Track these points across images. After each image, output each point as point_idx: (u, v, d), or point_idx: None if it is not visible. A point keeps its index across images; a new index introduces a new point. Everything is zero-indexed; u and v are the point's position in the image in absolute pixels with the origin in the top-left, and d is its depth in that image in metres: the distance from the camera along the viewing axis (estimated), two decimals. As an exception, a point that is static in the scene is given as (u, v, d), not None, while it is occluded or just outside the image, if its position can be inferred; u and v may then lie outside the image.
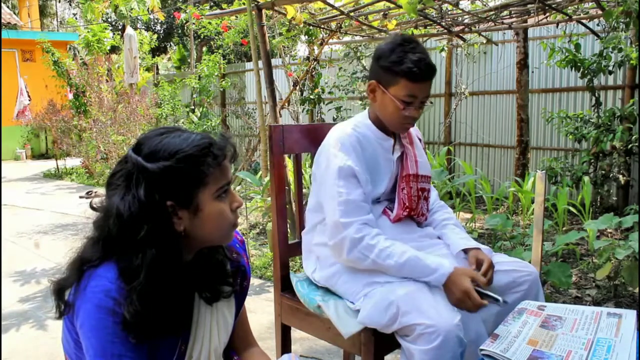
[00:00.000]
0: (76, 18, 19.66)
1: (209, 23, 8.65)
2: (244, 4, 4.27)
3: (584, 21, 4.99)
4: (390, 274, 1.59)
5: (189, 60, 12.81)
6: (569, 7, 4.51)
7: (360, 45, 6.79)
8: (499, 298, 1.45)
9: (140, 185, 1.02)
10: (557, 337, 1.27)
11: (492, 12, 4.57)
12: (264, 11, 3.73)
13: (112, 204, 1.04)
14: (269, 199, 3.83)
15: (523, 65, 5.73)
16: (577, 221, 5.01)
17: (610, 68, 4.98)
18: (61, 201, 7.37)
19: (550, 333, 1.29)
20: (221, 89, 10.31)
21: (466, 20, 4.86)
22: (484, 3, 5.03)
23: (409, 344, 1.45)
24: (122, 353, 1.00)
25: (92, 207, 1.10)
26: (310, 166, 2.22)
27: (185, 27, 14.08)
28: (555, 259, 3.89)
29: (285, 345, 1.96)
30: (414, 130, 1.90)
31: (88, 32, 9.62)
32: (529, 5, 4.11)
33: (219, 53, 9.77)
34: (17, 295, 3.66)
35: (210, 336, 1.20)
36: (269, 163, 1.99)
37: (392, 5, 4.01)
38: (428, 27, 5.26)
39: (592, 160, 5.11)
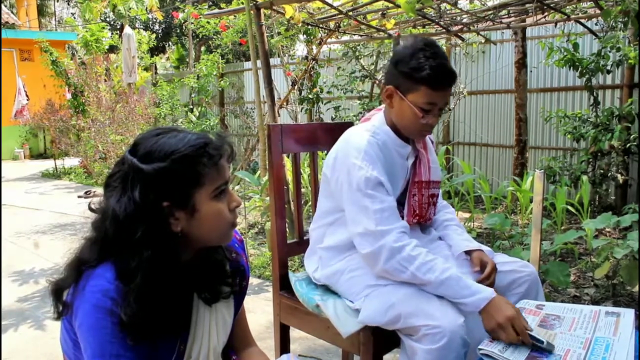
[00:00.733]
0: (74, 17, 19.63)
1: (208, 22, 8.64)
2: (242, 3, 4.26)
3: (582, 20, 5.00)
4: (426, 289, 1.50)
5: (187, 60, 12.79)
6: (567, 7, 4.52)
7: (359, 45, 6.79)
8: (544, 340, 1.25)
9: (135, 187, 1.02)
10: (555, 336, 1.27)
11: (490, 12, 4.58)
12: (262, 10, 3.73)
13: (109, 206, 1.04)
14: (268, 198, 3.84)
15: (521, 64, 5.73)
16: (575, 220, 5.01)
17: (609, 67, 4.99)
18: (60, 201, 7.36)
19: (548, 332, 1.29)
20: (220, 89, 10.30)
21: (465, 20, 4.86)
22: (483, 2, 5.04)
23: (413, 342, 1.45)
24: (120, 353, 1.00)
25: (90, 209, 1.10)
26: (309, 166, 2.22)
27: (184, 27, 14.07)
28: (554, 258, 3.89)
29: (284, 344, 1.96)
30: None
31: (86, 31, 9.61)
32: (527, 5, 4.12)
33: (218, 53, 9.76)
34: (16, 295, 3.65)
35: (209, 336, 1.19)
36: (267, 162, 1.99)
37: (390, 5, 4.01)
38: (426, 27, 5.26)
39: (591, 160, 5.11)
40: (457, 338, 1.38)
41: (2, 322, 3.15)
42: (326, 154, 1.83)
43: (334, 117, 6.92)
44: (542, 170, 2.44)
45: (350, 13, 4.22)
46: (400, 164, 1.72)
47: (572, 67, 5.03)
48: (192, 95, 9.70)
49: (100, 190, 1.10)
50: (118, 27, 15.65)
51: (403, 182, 1.74)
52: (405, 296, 1.49)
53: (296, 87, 6.18)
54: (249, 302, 3.24)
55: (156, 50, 16.16)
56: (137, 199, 1.02)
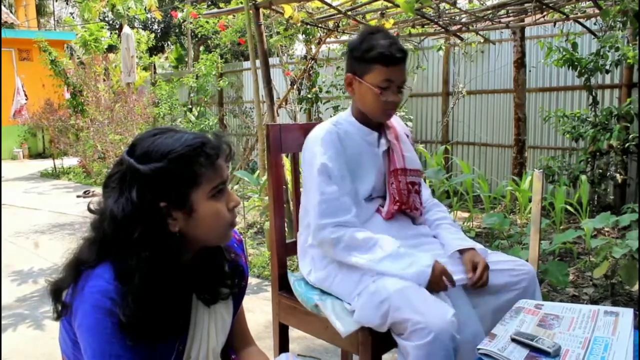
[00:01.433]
0: (73, 17, 19.60)
1: (207, 22, 8.64)
2: (241, 3, 4.26)
3: (581, 20, 5.00)
4: (372, 268, 1.60)
5: (186, 60, 12.79)
6: (566, 6, 4.52)
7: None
8: (550, 351, 1.19)
9: (133, 187, 1.02)
10: (554, 335, 1.27)
11: (489, 11, 4.58)
12: (261, 10, 3.73)
13: (107, 206, 1.05)
14: (267, 198, 3.83)
15: (520, 64, 5.74)
16: (574, 220, 5.01)
17: (607, 67, 4.99)
18: (58, 201, 7.35)
19: (547, 332, 1.29)
20: (219, 88, 10.29)
21: (463, 19, 4.86)
22: (482, 2, 5.04)
23: (404, 341, 1.46)
24: (120, 353, 1.00)
25: (89, 210, 1.10)
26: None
27: (183, 27, 14.06)
28: (553, 257, 3.89)
29: (283, 344, 1.96)
30: (401, 127, 1.91)
31: (85, 31, 9.60)
32: (526, 5, 4.12)
33: (217, 52, 9.75)
34: (15, 295, 3.65)
35: (208, 336, 1.19)
36: (266, 162, 1.99)
37: (389, 4, 4.01)
38: (425, 26, 5.26)
39: (589, 159, 5.11)
40: (444, 333, 1.39)
41: (2, 322, 3.15)
42: None
43: (332, 116, 6.92)
44: (541, 170, 2.44)
45: (349, 13, 4.22)
46: (368, 151, 1.77)
47: (571, 67, 5.03)
48: (191, 95, 9.70)
49: (99, 190, 1.09)
50: (117, 26, 15.64)
51: (378, 171, 1.78)
52: (395, 292, 1.50)
53: (295, 86, 6.17)
54: (248, 301, 3.24)
55: (155, 49, 16.14)
56: (134, 200, 1.02)
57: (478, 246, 1.73)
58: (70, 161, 10.51)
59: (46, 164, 11.12)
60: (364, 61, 1.67)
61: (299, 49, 9.03)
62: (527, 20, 5.11)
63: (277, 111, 4.08)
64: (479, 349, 1.23)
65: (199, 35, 10.98)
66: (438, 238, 1.81)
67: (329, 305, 1.67)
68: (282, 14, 4.09)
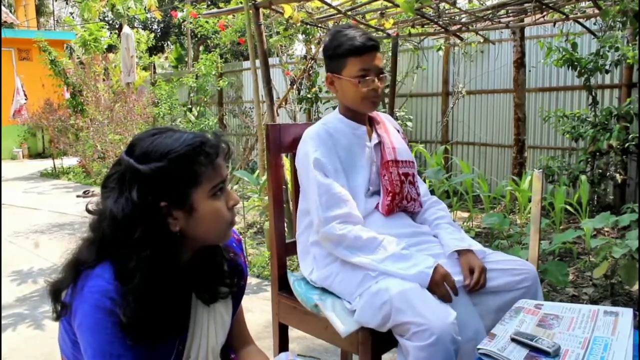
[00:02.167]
0: (73, 17, 19.60)
1: (206, 22, 8.64)
2: (241, 2, 4.26)
3: (580, 20, 4.99)
4: (375, 268, 1.60)
5: (186, 60, 12.78)
6: (566, 6, 4.52)
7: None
8: (550, 351, 1.20)
9: (133, 187, 1.02)
10: (554, 335, 1.27)
11: (489, 11, 4.58)
12: (261, 10, 3.73)
13: (107, 207, 1.04)
14: (266, 198, 3.83)
15: (520, 64, 5.74)
16: (574, 220, 5.01)
17: (607, 67, 4.99)
18: (58, 200, 7.35)
19: (547, 332, 1.29)
20: (218, 88, 10.29)
21: (463, 19, 4.86)
22: (481, 2, 5.03)
23: (405, 341, 1.46)
24: (120, 353, 1.00)
25: (88, 210, 1.10)
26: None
27: (183, 26, 14.06)
28: (553, 257, 3.90)
29: (282, 344, 1.96)
30: (390, 122, 1.94)
31: (85, 31, 9.59)
32: (526, 5, 4.11)
33: (216, 52, 9.75)
34: (14, 295, 3.65)
35: (207, 335, 1.19)
36: (266, 162, 1.99)
37: (389, 4, 4.01)
38: (425, 26, 5.26)
39: (589, 159, 5.11)
40: (445, 336, 1.39)
41: (2, 322, 3.15)
42: None
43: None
44: (541, 170, 2.44)
45: (349, 12, 4.22)
46: (359, 144, 1.80)
47: (570, 67, 5.03)
48: (191, 95, 9.69)
49: (98, 190, 1.08)
50: (117, 26, 15.64)
51: (369, 163, 1.80)
52: (397, 294, 1.50)
53: (295, 86, 6.18)
54: (247, 301, 3.24)
55: (155, 49, 16.13)
56: (134, 200, 1.02)
57: (477, 247, 1.73)
58: (70, 161, 10.51)
59: (46, 164, 11.11)
60: (337, 57, 1.73)
61: (299, 48, 9.04)
62: (527, 20, 5.10)
63: (276, 111, 4.08)
64: (478, 349, 1.23)
65: (199, 35, 10.97)
66: (437, 237, 1.81)
67: (329, 305, 1.67)
68: (281, 14, 4.09)
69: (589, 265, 3.69)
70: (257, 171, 4.56)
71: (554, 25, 5.48)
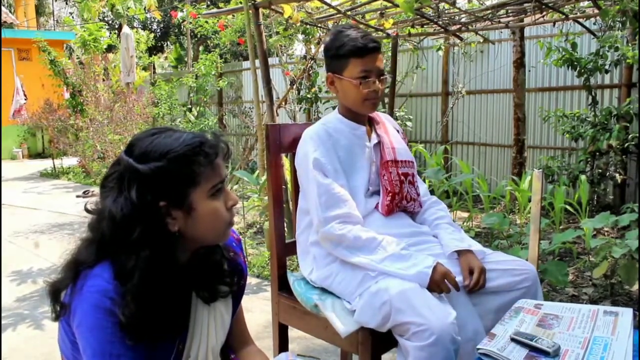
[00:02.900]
0: (73, 17, 19.59)
1: (206, 22, 8.64)
2: (241, 2, 4.26)
3: (580, 20, 5.00)
4: (374, 268, 1.60)
5: (185, 60, 12.79)
6: (566, 6, 4.52)
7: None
8: (550, 351, 1.20)
9: (132, 187, 1.02)
10: (554, 335, 1.27)
11: (489, 11, 4.58)
12: (261, 10, 3.73)
13: (105, 206, 1.04)
14: (266, 198, 3.83)
15: (520, 64, 5.73)
16: (573, 220, 5.01)
17: (607, 67, 4.99)
18: (58, 200, 7.35)
19: (547, 332, 1.29)
20: (218, 88, 10.29)
21: (463, 19, 4.86)
22: (481, 2, 5.03)
23: (405, 340, 1.46)
24: (120, 353, 1.00)
25: (86, 210, 1.10)
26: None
27: (182, 26, 14.05)
28: (552, 257, 3.90)
29: (282, 344, 1.96)
30: (390, 122, 1.94)
31: (84, 31, 9.59)
32: (525, 4, 4.11)
33: (216, 52, 9.75)
34: (14, 295, 3.65)
35: (207, 335, 1.19)
36: (266, 162, 1.99)
37: (389, 4, 4.01)
38: (425, 26, 5.26)
39: (589, 159, 5.11)
40: (445, 336, 1.39)
41: (2, 322, 3.15)
42: None
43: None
44: (541, 170, 2.44)
45: (349, 12, 4.22)
46: (359, 144, 1.81)
47: (570, 67, 5.03)
48: (191, 95, 9.69)
49: (98, 190, 1.08)
50: (116, 26, 15.63)
51: (368, 163, 1.80)
52: (397, 294, 1.50)
53: (295, 86, 6.18)
54: (247, 301, 3.24)
55: (154, 49, 16.13)
56: (133, 199, 1.02)
57: (476, 247, 1.73)
58: (69, 161, 10.51)
59: (46, 164, 11.11)
60: (339, 57, 1.73)
61: (299, 48, 9.04)
62: (527, 20, 5.11)
63: (276, 111, 4.08)
64: (478, 349, 1.23)
65: (199, 35, 10.97)
66: (437, 238, 1.81)
67: (329, 305, 1.67)
68: (281, 14, 4.09)
69: (589, 265, 3.69)
70: (257, 171, 4.56)
71: (554, 25, 5.49)
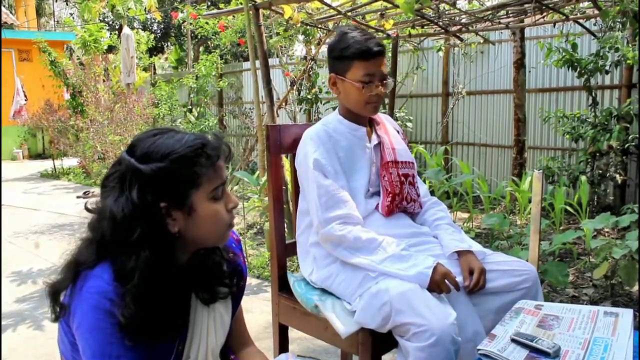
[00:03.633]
0: (73, 18, 19.59)
1: (206, 23, 8.64)
2: (241, 3, 4.27)
3: (580, 21, 5.00)
4: (374, 268, 1.60)
5: (186, 60, 12.79)
6: (566, 7, 4.52)
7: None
8: (550, 352, 1.19)
9: (133, 187, 1.02)
10: (554, 336, 1.27)
11: (489, 12, 4.58)
12: (261, 11, 3.73)
13: (106, 206, 1.04)
14: (267, 198, 3.83)
15: (520, 64, 5.73)
16: (574, 220, 5.01)
17: (607, 68, 4.99)
18: (58, 201, 7.35)
19: (547, 332, 1.29)
20: (218, 89, 10.29)
21: (463, 20, 4.86)
22: (481, 3, 5.04)
23: (405, 341, 1.46)
24: (120, 354, 1.00)
25: (87, 209, 1.10)
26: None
27: (183, 27, 14.06)
28: (553, 258, 3.89)
29: (282, 345, 1.96)
30: (390, 123, 1.93)
31: (85, 32, 9.60)
32: (525, 5, 4.11)
33: (216, 53, 9.76)
34: (14, 295, 3.65)
35: (207, 336, 1.19)
36: (266, 163, 1.99)
37: (389, 5, 4.01)
38: (425, 27, 5.26)
39: (589, 160, 5.11)
40: (445, 336, 1.39)
41: (1, 322, 3.15)
42: None
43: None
44: (541, 171, 2.44)
45: (349, 13, 4.22)
46: (359, 145, 1.80)
47: (570, 68, 5.03)
48: (191, 96, 9.69)
49: (98, 191, 1.08)
50: (117, 27, 15.63)
51: (368, 164, 1.80)
52: (397, 295, 1.50)
53: (295, 87, 6.18)
54: (247, 302, 3.24)
55: (155, 50, 16.14)
56: (134, 200, 1.02)
57: (476, 247, 1.73)
58: (70, 162, 10.51)
59: (46, 165, 11.12)
60: (343, 59, 1.72)
61: (299, 49, 9.05)
62: (527, 20, 5.11)
63: (276, 112, 4.08)
64: (478, 350, 1.23)
65: (199, 36, 10.97)
66: (437, 238, 1.81)
67: (329, 305, 1.67)
68: (281, 15, 4.09)
69: (589, 266, 3.69)
70: (257, 172, 4.56)
71: (554, 26, 5.49)
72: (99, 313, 0.99)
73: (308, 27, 5.26)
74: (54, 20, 22.79)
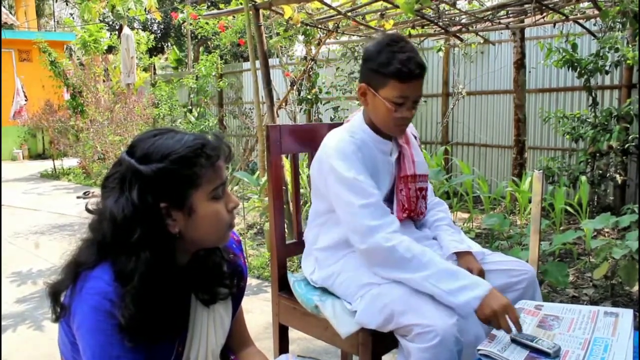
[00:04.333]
0: (73, 18, 19.59)
1: (206, 23, 8.64)
2: (241, 4, 4.26)
3: (580, 21, 5.00)
4: (419, 288, 1.50)
5: (186, 61, 12.79)
6: (566, 7, 4.52)
7: (358, 45, 6.79)
8: (550, 352, 1.20)
9: (133, 188, 1.02)
10: (554, 336, 1.27)
11: (489, 12, 4.58)
12: (261, 11, 3.73)
13: (106, 207, 1.04)
14: (267, 199, 3.83)
15: (520, 65, 5.73)
16: (574, 221, 5.01)
17: (607, 68, 4.99)
18: (58, 201, 7.35)
19: (547, 333, 1.29)
20: (218, 89, 10.29)
21: (463, 20, 4.86)
22: (481, 3, 5.03)
23: (407, 342, 1.45)
24: (120, 354, 1.00)
25: (87, 210, 1.10)
26: (308, 166, 2.22)
27: (183, 27, 14.06)
28: (553, 258, 3.89)
29: (282, 345, 1.96)
30: (409, 128, 1.88)
31: (85, 32, 9.60)
32: (525, 5, 4.12)
33: (216, 53, 9.76)
34: (14, 296, 3.65)
35: (207, 337, 1.19)
36: (266, 163, 1.99)
37: (389, 5, 4.01)
38: (425, 27, 5.26)
39: (589, 160, 5.11)
40: (449, 337, 1.38)
41: (1, 323, 3.15)
42: None
43: (332, 117, 6.93)
44: (541, 171, 2.44)
45: (349, 13, 4.22)
46: (383, 160, 1.72)
47: (570, 68, 5.03)
48: (191, 96, 9.70)
49: (99, 191, 1.08)
50: (117, 27, 15.64)
51: (389, 178, 1.75)
52: (399, 296, 1.50)
53: (295, 87, 6.18)
54: (247, 302, 3.24)
55: (155, 50, 16.14)
56: (135, 200, 1.02)
57: (475, 248, 1.73)
58: (70, 162, 10.51)
59: (46, 165, 11.12)
60: (380, 74, 1.58)
61: (299, 49, 9.05)
62: (527, 21, 5.11)
63: (276, 112, 4.08)
64: (478, 350, 1.23)
65: (199, 36, 10.98)
66: (437, 239, 1.81)
67: (329, 306, 1.67)
68: (281, 15, 4.09)
69: (589, 266, 3.69)
70: (257, 172, 4.56)
71: (554, 26, 5.49)
72: (99, 314, 0.99)
73: (308, 28, 5.26)
74: (54, 21, 22.80)
